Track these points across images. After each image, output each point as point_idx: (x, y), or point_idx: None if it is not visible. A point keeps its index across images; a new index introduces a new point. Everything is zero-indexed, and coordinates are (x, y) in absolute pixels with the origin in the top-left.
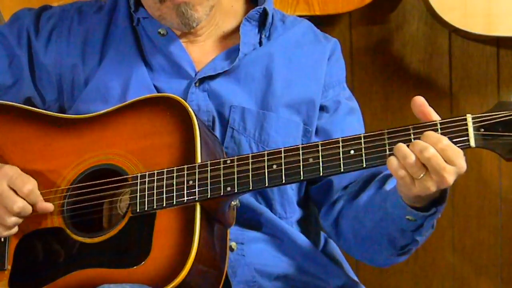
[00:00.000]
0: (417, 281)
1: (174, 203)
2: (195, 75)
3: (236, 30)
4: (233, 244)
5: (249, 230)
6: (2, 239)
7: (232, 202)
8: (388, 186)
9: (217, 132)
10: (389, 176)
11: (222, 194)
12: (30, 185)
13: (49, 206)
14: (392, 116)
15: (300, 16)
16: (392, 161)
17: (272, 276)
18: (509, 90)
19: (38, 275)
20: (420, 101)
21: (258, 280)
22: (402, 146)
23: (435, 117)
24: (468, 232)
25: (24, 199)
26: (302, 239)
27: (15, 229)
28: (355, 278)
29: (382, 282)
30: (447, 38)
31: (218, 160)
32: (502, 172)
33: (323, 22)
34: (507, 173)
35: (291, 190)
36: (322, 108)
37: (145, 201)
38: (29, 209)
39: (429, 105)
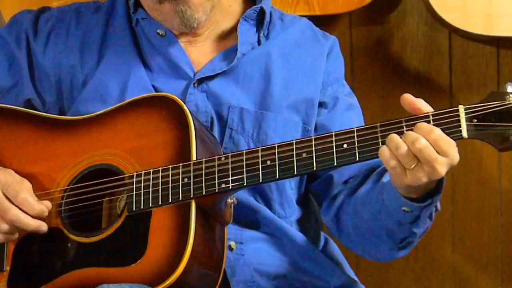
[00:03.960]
0: (417, 281)
1: (170, 200)
2: (194, 75)
3: (235, 30)
4: (232, 243)
5: (248, 230)
6: None
7: (229, 200)
8: (385, 178)
9: (216, 133)
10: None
11: (217, 190)
12: (23, 193)
13: (46, 206)
14: (392, 116)
15: (300, 16)
16: (384, 151)
17: (271, 275)
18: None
19: (37, 276)
20: (408, 99)
21: (257, 279)
22: (394, 136)
23: (428, 109)
24: (468, 232)
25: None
26: (301, 239)
27: (13, 236)
28: (355, 278)
29: (382, 282)
30: (447, 38)
31: (213, 157)
32: (502, 172)
33: (323, 22)
34: (507, 173)
35: (290, 190)
36: (321, 105)
37: (141, 199)
38: (24, 221)
39: (429, 104)
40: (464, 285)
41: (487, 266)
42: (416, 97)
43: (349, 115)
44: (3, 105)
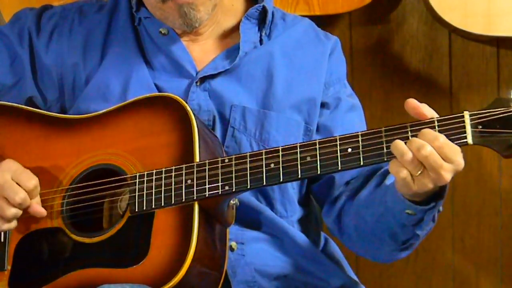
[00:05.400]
0: (417, 281)
1: (173, 202)
2: (196, 74)
3: (237, 28)
4: (233, 243)
5: (249, 230)
6: (2, 239)
7: (231, 201)
8: (388, 181)
9: (218, 132)
10: (389, 171)
11: (220, 193)
12: (35, 180)
13: (42, 211)
14: (392, 116)
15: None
16: (393, 164)
17: (272, 276)
18: (509, 90)
19: (38, 275)
20: (412, 104)
21: (258, 280)
22: (399, 143)
23: (432, 114)
24: (468, 232)
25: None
26: (302, 239)
27: (15, 223)
28: (355, 278)
29: (382, 282)
30: (447, 38)
31: (216, 159)
32: (502, 172)
33: (323, 22)
34: (507, 173)
35: (292, 189)
36: (323, 105)
37: (143, 200)
38: (29, 200)
39: (429, 105)
40: (464, 285)
41: (487, 266)
42: (416, 97)
43: (351, 116)
44: (5, 103)
